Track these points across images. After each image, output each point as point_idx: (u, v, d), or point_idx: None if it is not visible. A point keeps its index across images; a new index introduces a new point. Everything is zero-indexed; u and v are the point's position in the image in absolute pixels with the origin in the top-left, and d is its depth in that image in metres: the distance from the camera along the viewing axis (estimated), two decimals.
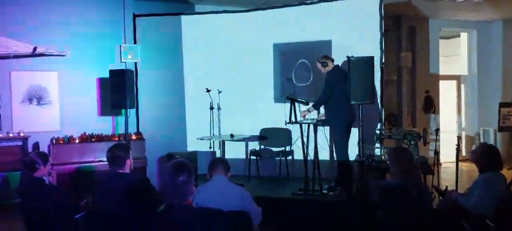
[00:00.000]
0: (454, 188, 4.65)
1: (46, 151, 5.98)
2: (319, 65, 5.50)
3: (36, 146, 6.18)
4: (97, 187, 3.40)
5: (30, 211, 3.49)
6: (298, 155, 6.00)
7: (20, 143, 6.06)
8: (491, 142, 8.72)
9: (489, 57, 9.44)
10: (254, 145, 6.64)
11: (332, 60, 5.50)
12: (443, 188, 4.06)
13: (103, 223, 3.21)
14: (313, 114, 5.47)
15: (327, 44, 6.34)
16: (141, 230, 2.19)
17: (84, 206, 3.68)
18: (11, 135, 6.08)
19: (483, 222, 3.25)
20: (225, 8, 7.07)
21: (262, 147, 6.60)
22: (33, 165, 3.64)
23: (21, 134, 6.09)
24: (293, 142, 6.33)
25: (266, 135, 6.54)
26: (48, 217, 3.37)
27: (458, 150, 5.29)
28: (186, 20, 7.15)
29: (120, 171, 3.28)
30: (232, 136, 6.05)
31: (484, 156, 3.62)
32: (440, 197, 4.00)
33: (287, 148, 6.37)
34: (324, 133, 5.60)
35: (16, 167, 5.86)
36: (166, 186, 2.23)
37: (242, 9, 6.99)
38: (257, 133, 6.64)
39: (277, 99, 6.69)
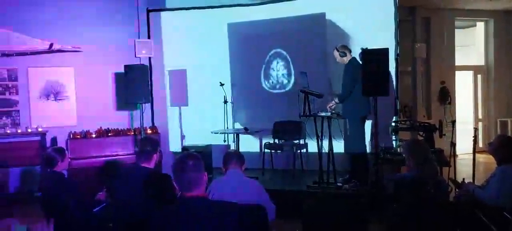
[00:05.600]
0: (470, 180, 4.60)
1: (63, 145, 6.08)
2: (336, 54, 5.45)
3: (54, 140, 6.29)
4: (119, 180, 3.44)
5: (50, 205, 3.57)
6: (312, 148, 5.99)
7: (38, 138, 6.18)
8: (508, 133, 8.59)
9: (506, 47, 9.26)
10: (268, 138, 6.65)
11: (350, 51, 5.46)
12: (459, 180, 4.02)
13: (121, 215, 3.27)
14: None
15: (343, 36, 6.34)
16: (159, 223, 2.21)
17: (103, 199, 3.75)
18: (29, 130, 6.20)
19: (501, 214, 3.22)
20: (238, 2, 7.06)
21: (276, 140, 6.61)
22: (51, 160, 3.72)
23: (39, 129, 6.20)
24: (306, 134, 6.32)
25: (280, 128, 6.55)
26: (68, 211, 3.44)
27: (475, 141, 5.22)
28: (198, 13, 7.17)
29: (144, 164, 3.32)
30: (246, 129, 6.07)
31: (502, 147, 3.57)
32: (457, 189, 3.97)
33: (301, 141, 6.37)
34: (338, 125, 5.58)
35: (35, 161, 5.98)
36: (176, 178, 2.25)
37: (255, 2, 6.97)
38: (271, 126, 6.66)
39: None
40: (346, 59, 5.41)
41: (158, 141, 3.52)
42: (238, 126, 6.82)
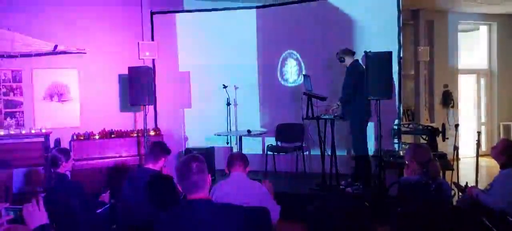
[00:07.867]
0: (473, 183, 4.60)
1: (67, 146, 6.10)
2: (337, 58, 5.49)
3: (57, 141, 6.30)
4: (122, 181, 3.46)
5: (54, 206, 3.56)
6: (315, 150, 6.00)
7: (42, 139, 6.18)
8: (511, 137, 8.57)
9: (510, 51, 9.26)
10: (271, 141, 6.66)
11: (353, 54, 5.47)
12: (463, 183, 4.02)
13: (125, 217, 3.28)
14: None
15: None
16: (164, 225, 2.22)
17: (107, 200, 3.76)
18: (33, 131, 6.20)
19: (505, 219, 3.21)
20: (242, 4, 7.07)
21: (279, 142, 6.61)
22: (56, 161, 3.72)
23: (43, 130, 6.20)
24: (309, 137, 6.32)
25: (282, 130, 6.55)
26: (72, 212, 3.45)
27: (478, 145, 5.21)
28: (200, 16, 7.19)
29: (149, 166, 3.35)
30: (249, 131, 6.08)
31: (505, 151, 3.57)
32: (460, 194, 3.96)
33: (304, 144, 6.37)
34: (341, 128, 5.58)
35: (38, 162, 5.99)
36: (180, 180, 2.25)
37: (259, 4, 6.98)
38: (273, 128, 6.66)
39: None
40: (345, 63, 5.43)
41: (167, 146, 3.58)
42: (241, 127, 6.82)
